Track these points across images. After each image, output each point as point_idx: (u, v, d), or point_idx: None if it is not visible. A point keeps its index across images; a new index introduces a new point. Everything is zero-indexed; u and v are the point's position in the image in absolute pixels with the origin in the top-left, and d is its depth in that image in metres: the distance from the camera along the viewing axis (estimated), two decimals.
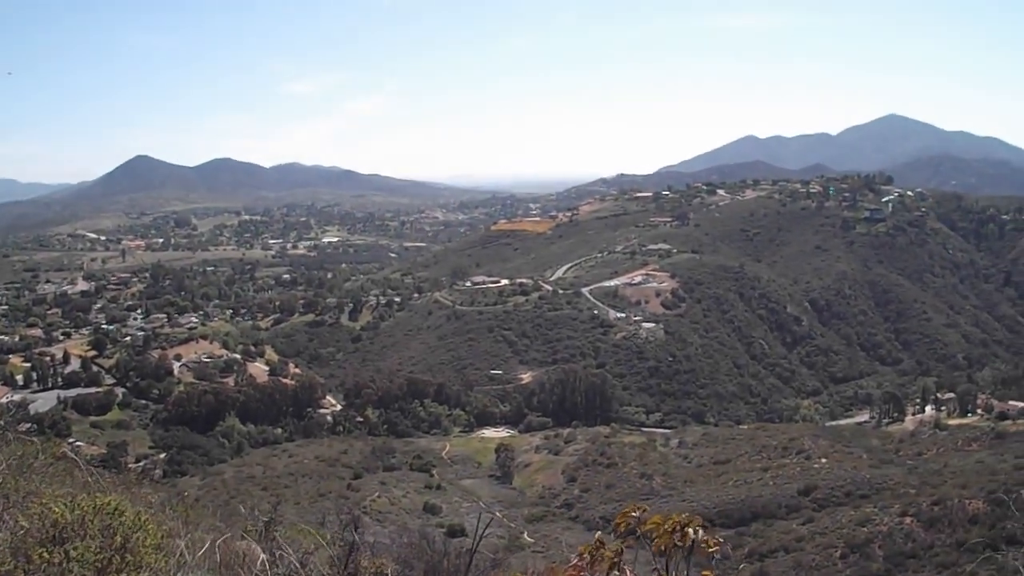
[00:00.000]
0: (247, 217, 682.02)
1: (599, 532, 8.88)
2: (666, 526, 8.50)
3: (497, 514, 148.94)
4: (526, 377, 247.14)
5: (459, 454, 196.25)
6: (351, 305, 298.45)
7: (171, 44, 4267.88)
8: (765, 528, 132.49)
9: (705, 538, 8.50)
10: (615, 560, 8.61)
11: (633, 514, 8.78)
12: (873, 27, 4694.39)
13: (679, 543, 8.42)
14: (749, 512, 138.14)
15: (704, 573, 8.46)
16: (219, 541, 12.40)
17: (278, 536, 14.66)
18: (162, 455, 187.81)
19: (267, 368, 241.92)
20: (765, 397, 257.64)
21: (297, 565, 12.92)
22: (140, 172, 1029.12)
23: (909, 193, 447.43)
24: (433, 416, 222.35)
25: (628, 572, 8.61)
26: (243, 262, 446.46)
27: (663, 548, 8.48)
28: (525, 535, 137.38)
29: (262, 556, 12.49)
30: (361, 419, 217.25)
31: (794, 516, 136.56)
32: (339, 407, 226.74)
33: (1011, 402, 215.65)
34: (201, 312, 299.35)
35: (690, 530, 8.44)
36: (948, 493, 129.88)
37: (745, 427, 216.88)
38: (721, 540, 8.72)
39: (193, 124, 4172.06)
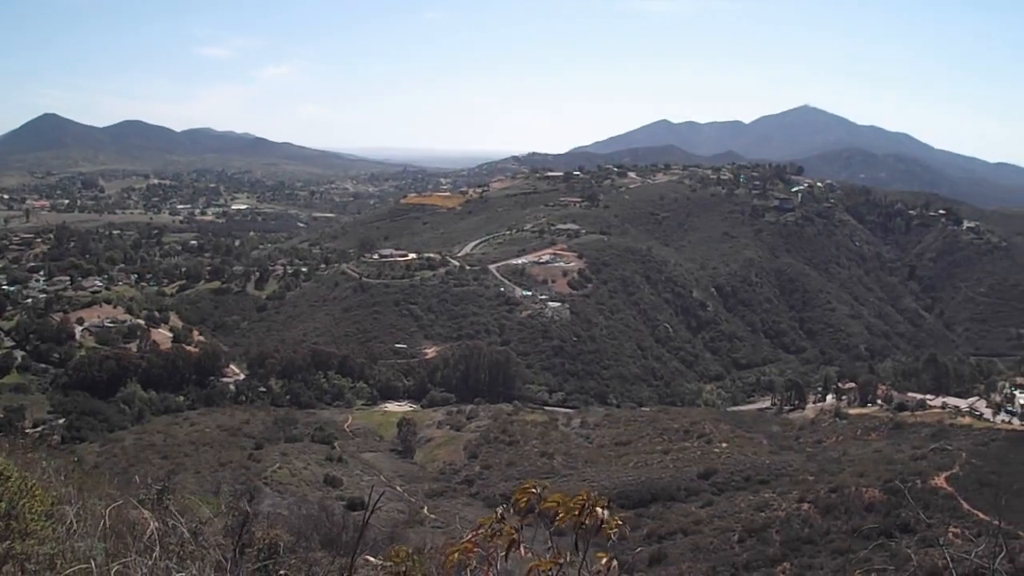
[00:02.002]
0: (156, 181, 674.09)
1: (500, 507, 8.72)
2: (572, 504, 8.41)
3: (397, 488, 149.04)
4: (430, 352, 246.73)
5: (361, 427, 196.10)
6: (258, 274, 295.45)
7: (82, 1, 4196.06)
8: (664, 510, 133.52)
9: (609, 519, 8.44)
10: (514, 537, 8.53)
11: (533, 490, 8.69)
12: (791, 18, 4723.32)
13: (585, 522, 8.35)
14: (648, 494, 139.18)
15: (598, 555, 8.44)
16: (110, 509, 12.16)
17: (171, 505, 14.42)
18: (61, 420, 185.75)
19: (171, 335, 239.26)
20: (668, 380, 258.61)
21: (187, 535, 12.69)
22: (47, 131, 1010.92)
23: (819, 184, 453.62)
24: (336, 388, 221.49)
25: (523, 549, 8.54)
26: (150, 227, 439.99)
27: (567, 526, 8.43)
28: (425, 510, 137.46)
29: (152, 525, 12.25)
30: (264, 389, 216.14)
31: (693, 499, 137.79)
32: (242, 376, 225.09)
33: (910, 393, 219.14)
34: (105, 276, 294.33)
35: (598, 509, 8.37)
36: (846, 481, 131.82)
37: (647, 409, 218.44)
38: (621, 522, 8.68)
39: (104, 84, 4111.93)
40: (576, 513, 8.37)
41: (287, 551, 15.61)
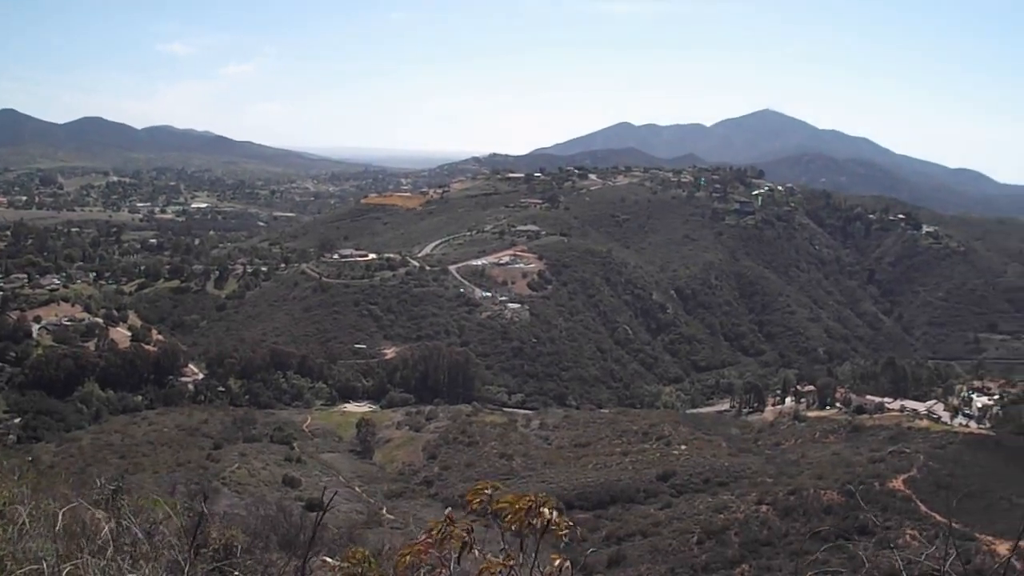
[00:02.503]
0: (116, 179, 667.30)
1: (450, 509, 8.72)
2: (520, 505, 8.40)
3: (356, 489, 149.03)
4: (390, 353, 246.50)
5: (320, 427, 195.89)
6: (217, 273, 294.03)
7: None
8: (623, 512, 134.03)
9: (558, 520, 8.43)
10: (466, 539, 8.53)
11: (486, 491, 8.72)
12: (752, 22, 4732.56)
13: (533, 523, 8.35)
14: (607, 495, 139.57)
15: (553, 556, 8.44)
16: (64, 510, 12.06)
17: (125, 505, 14.32)
18: (17, 420, 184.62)
19: (129, 334, 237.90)
20: (627, 382, 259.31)
21: (141, 535, 12.60)
22: (5, 126, 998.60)
23: (779, 188, 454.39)
24: (295, 388, 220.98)
25: (477, 551, 8.52)
26: (110, 224, 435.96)
27: (515, 527, 8.44)
28: (384, 511, 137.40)
29: (105, 526, 12.16)
30: (223, 389, 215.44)
31: (652, 501, 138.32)
32: (201, 376, 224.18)
33: (868, 396, 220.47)
34: (64, 274, 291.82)
35: (545, 510, 8.36)
36: (804, 483, 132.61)
37: (606, 411, 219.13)
38: (572, 523, 8.67)
39: (64, 80, 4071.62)
40: (523, 514, 8.37)
41: (243, 552, 15.53)
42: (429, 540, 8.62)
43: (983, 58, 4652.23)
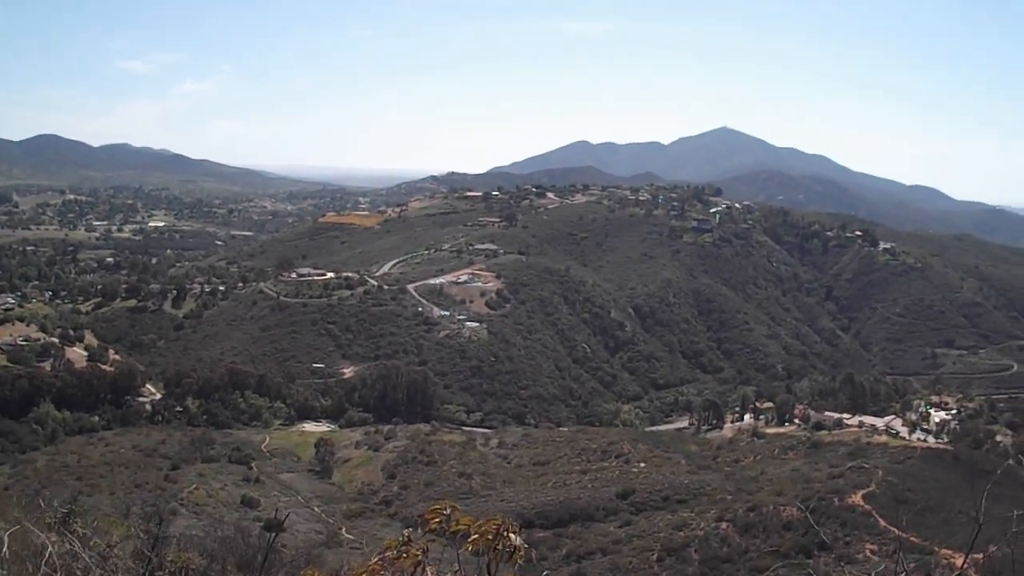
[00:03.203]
0: (72, 197, 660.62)
1: (407, 529, 8.60)
2: (487, 528, 8.27)
3: (315, 509, 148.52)
4: (348, 372, 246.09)
5: (279, 447, 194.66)
6: (175, 292, 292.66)
7: None
8: (583, 530, 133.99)
9: (520, 545, 8.36)
10: (420, 559, 8.40)
11: (443, 511, 8.66)
12: (709, 39, 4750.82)
13: (499, 547, 8.22)
14: (567, 514, 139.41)
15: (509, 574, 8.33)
16: (8, 532, 11.78)
17: (78, 527, 14.06)
18: None
19: (86, 353, 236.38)
20: (586, 400, 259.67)
21: (88, 560, 12.33)
22: None
23: (737, 205, 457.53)
24: (254, 408, 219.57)
25: (430, 572, 8.43)
26: (66, 243, 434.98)
27: (481, 550, 8.31)
28: (343, 531, 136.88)
29: (50, 549, 11.88)
30: (181, 409, 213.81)
31: (612, 519, 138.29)
32: (159, 396, 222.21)
33: (827, 413, 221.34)
34: (19, 293, 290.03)
35: (512, 536, 8.26)
36: (764, 500, 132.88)
37: (565, 429, 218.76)
38: (528, 546, 8.65)
39: (19, 96, 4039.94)
40: (490, 537, 8.24)
41: (199, 574, 15.28)
42: (383, 561, 8.51)
43: (937, 78, 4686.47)
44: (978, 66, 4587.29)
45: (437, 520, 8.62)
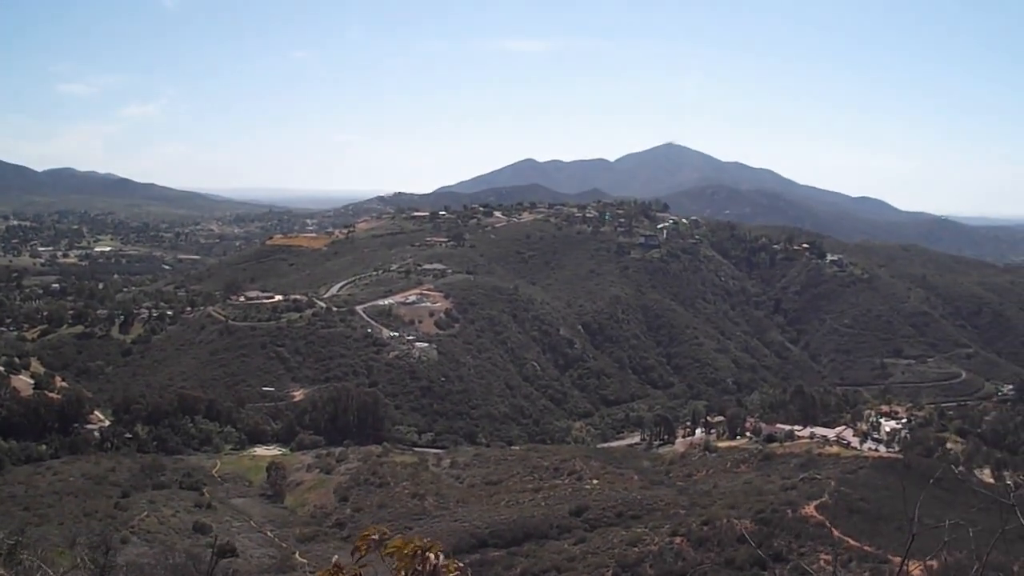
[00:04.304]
0: (16, 222, 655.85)
1: (336, 556, 8.54)
2: (407, 550, 8.20)
3: (268, 534, 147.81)
4: (298, 395, 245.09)
5: (230, 472, 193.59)
6: (122, 317, 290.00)
7: None
8: (537, 548, 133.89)
9: (446, 563, 8.38)
10: None
11: (373, 537, 8.70)
12: (653, 57, 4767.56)
13: (419, 568, 8.14)
14: (521, 532, 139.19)
15: None
16: None
17: (25, 559, 13.71)
18: None
19: (32, 381, 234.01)
20: (537, 418, 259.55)
21: None
22: None
23: (684, 221, 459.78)
24: (204, 433, 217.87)
25: None
26: (10, 269, 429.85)
27: (404, 572, 8.35)
28: (296, 555, 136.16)
29: None
30: (130, 435, 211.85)
31: (566, 536, 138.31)
32: (108, 423, 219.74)
33: (778, 425, 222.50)
34: None
35: (431, 555, 8.16)
36: (717, 513, 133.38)
37: (517, 448, 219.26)
38: (462, 565, 8.71)
39: None
40: (410, 559, 8.12)
41: None
42: None
43: (881, 90, 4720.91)
44: (922, 79, 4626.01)
45: (368, 546, 8.53)
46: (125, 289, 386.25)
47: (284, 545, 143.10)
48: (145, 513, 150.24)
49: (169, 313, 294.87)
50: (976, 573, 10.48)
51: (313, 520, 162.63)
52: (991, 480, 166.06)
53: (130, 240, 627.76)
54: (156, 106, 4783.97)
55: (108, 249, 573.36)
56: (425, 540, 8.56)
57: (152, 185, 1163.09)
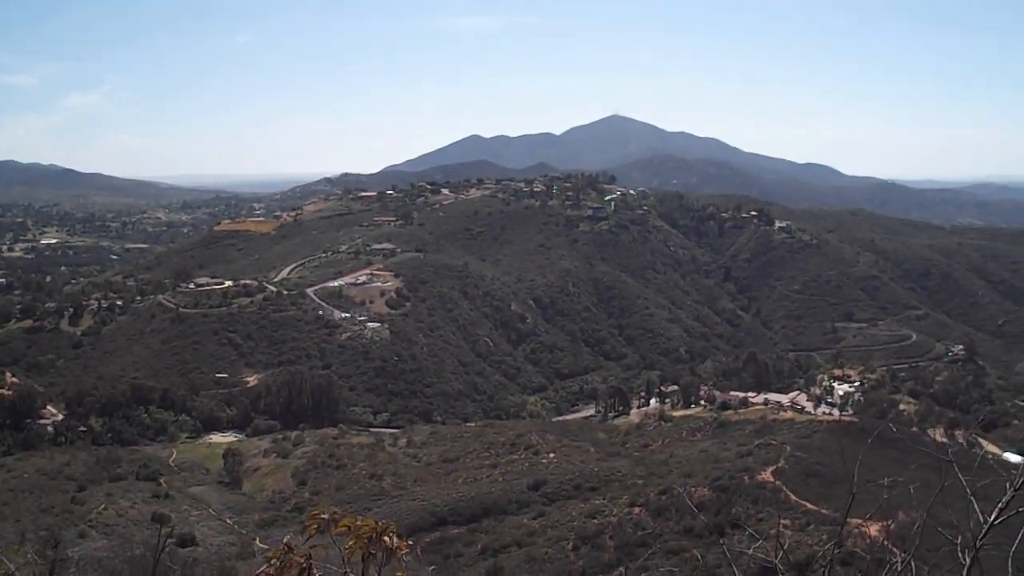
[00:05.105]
0: None
1: (288, 536, 8.63)
2: (363, 531, 8.27)
3: (227, 521, 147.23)
4: (252, 380, 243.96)
5: (187, 461, 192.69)
6: (71, 310, 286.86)
7: None
8: (497, 524, 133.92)
9: (399, 544, 8.44)
10: (304, 566, 8.44)
11: (323, 516, 8.72)
12: (596, 30, 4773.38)
13: (374, 550, 8.26)
14: (480, 508, 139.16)
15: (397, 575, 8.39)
16: None
17: None
18: None
19: None
20: (491, 394, 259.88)
21: None
22: None
23: (632, 192, 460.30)
24: (159, 423, 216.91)
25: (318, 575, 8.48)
26: None
27: (360, 554, 8.42)
28: (257, 541, 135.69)
29: None
30: (84, 428, 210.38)
31: (525, 511, 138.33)
32: (61, 417, 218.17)
33: (732, 392, 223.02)
34: None
35: (387, 538, 8.27)
36: (674, 482, 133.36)
37: (473, 425, 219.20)
38: (411, 543, 8.72)
39: None
40: (366, 541, 8.24)
41: None
42: (270, 570, 8.48)
43: (823, 57, 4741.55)
44: (865, 45, 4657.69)
45: (318, 525, 8.63)
46: (73, 281, 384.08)
47: (244, 532, 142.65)
48: (102, 506, 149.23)
49: (119, 303, 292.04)
50: (919, 529, 10.60)
51: (272, 505, 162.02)
52: (944, 440, 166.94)
53: (76, 231, 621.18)
54: (99, 95, 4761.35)
55: (54, 241, 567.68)
56: (380, 522, 8.55)
57: (97, 175, 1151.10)
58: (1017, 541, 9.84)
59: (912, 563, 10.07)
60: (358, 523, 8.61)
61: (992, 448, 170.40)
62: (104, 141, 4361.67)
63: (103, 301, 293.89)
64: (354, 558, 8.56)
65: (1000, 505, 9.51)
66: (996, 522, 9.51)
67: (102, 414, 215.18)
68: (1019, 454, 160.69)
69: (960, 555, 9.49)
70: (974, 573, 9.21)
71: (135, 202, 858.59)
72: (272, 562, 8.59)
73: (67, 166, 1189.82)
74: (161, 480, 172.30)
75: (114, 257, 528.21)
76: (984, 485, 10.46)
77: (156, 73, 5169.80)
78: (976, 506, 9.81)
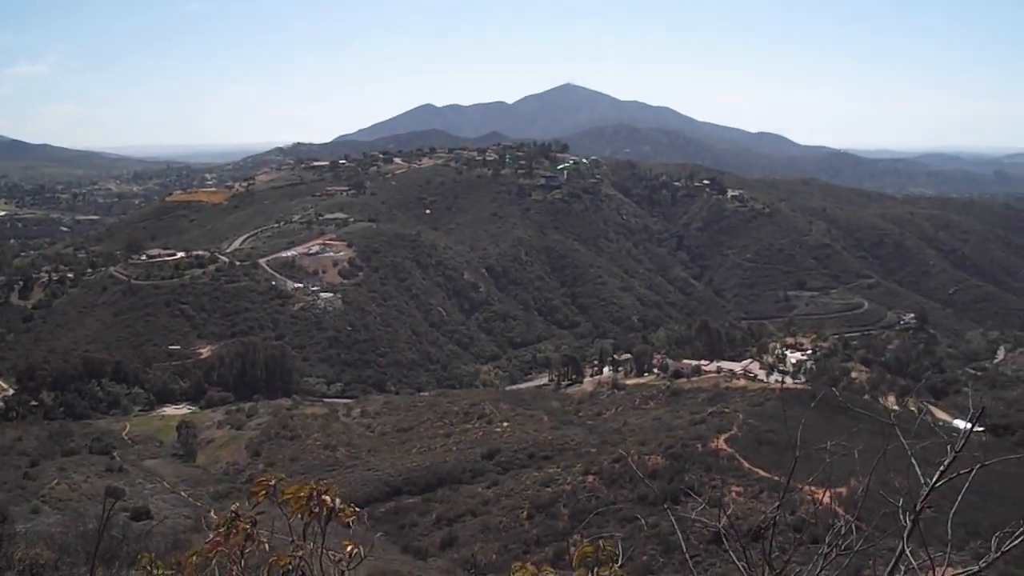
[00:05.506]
0: None
1: (236, 504, 8.72)
2: (302, 493, 8.43)
3: (182, 493, 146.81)
4: (205, 351, 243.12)
5: (140, 434, 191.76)
6: (21, 283, 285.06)
7: None
8: (451, 493, 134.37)
9: (343, 507, 8.53)
10: (249, 532, 8.64)
11: (270, 482, 8.90)
12: None
13: (315, 511, 8.42)
14: (435, 478, 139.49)
15: (344, 542, 8.57)
16: None
17: None
18: None
19: None
20: (445, 364, 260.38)
21: None
22: None
23: (584, 161, 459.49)
24: (112, 396, 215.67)
25: (264, 541, 8.67)
26: None
27: (301, 516, 8.55)
28: (212, 513, 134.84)
29: None
30: (36, 403, 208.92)
31: (479, 480, 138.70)
32: (11, 391, 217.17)
33: (685, 360, 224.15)
34: None
35: (327, 497, 8.44)
36: (628, 450, 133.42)
37: (426, 394, 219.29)
38: (359, 509, 8.82)
39: None
40: (305, 502, 8.42)
41: (49, 568, 14.90)
42: (218, 538, 8.61)
43: (776, 26, 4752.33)
44: (815, 15, 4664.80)
45: (264, 492, 8.78)
46: (23, 254, 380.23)
47: (198, 504, 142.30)
48: (55, 481, 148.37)
49: (70, 276, 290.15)
50: (863, 494, 10.72)
51: (226, 477, 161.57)
52: (896, 407, 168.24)
53: (25, 203, 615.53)
54: (46, 65, 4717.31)
55: (3, 213, 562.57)
56: (320, 483, 8.57)
57: (46, 146, 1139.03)
58: (956, 503, 9.94)
59: (853, 527, 10.17)
60: (300, 488, 8.64)
61: (943, 415, 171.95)
62: (52, 111, 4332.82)
63: (54, 274, 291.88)
64: (298, 522, 8.64)
65: (941, 468, 9.62)
66: (937, 485, 9.61)
67: (54, 388, 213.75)
68: (969, 422, 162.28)
69: (901, 518, 9.58)
70: (915, 535, 9.30)
71: (85, 173, 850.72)
72: (219, 529, 8.54)
73: (14, 137, 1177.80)
74: (114, 454, 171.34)
75: (64, 229, 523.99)
76: (930, 450, 10.59)
77: (105, 42, 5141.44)
78: (918, 470, 9.93)
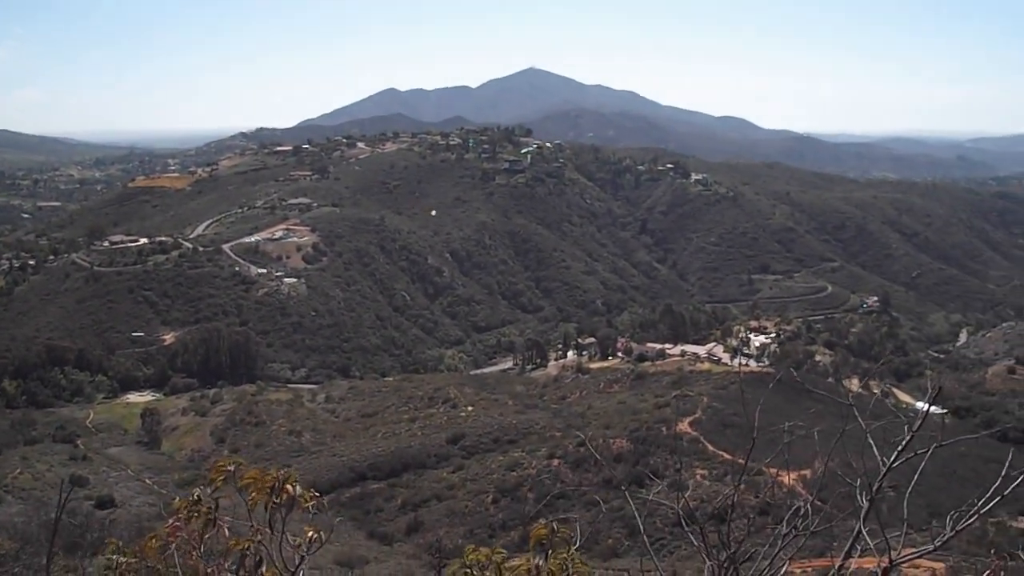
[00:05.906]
0: None
1: (197, 490, 8.76)
2: (265, 482, 8.59)
3: (147, 481, 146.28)
4: (169, 338, 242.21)
5: (104, 421, 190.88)
6: None
7: None
8: (416, 478, 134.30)
9: (303, 493, 8.65)
10: (210, 516, 8.76)
11: (228, 468, 9.02)
12: None
13: (277, 500, 8.52)
14: (400, 463, 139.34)
15: (306, 528, 8.66)
16: None
17: None
18: None
19: None
20: (409, 348, 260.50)
21: None
22: None
23: (548, 145, 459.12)
24: (75, 383, 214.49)
25: (224, 526, 8.79)
26: None
27: (263, 505, 8.65)
28: (176, 500, 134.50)
29: None
30: None
31: (444, 465, 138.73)
32: None
33: (649, 344, 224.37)
34: None
35: (289, 486, 8.56)
36: (593, 434, 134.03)
37: (391, 379, 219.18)
38: (319, 495, 8.92)
39: None
40: (268, 491, 8.51)
41: (10, 558, 14.88)
42: (177, 523, 8.70)
43: (739, 11, 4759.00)
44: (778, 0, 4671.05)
45: (223, 477, 8.91)
46: None
47: (163, 492, 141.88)
48: (18, 470, 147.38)
49: (31, 263, 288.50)
50: (822, 475, 10.83)
51: (191, 464, 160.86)
52: (859, 390, 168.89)
53: None
54: (5, 50, 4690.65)
55: None
56: (282, 471, 8.66)
57: (5, 131, 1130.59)
58: (913, 482, 10.03)
59: (811, 508, 10.25)
60: (261, 474, 8.71)
61: (906, 398, 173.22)
62: (11, 98, 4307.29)
63: (15, 261, 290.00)
64: (260, 509, 8.70)
65: (899, 448, 9.70)
66: (895, 465, 9.70)
67: (16, 376, 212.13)
68: (928, 403, 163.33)
69: (859, 498, 9.67)
70: (872, 514, 9.39)
71: (47, 159, 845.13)
72: (180, 513, 8.60)
73: None
74: (78, 442, 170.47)
75: (25, 216, 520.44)
76: (893, 432, 10.66)
77: (65, 26, 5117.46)
78: (876, 451, 10.02)
